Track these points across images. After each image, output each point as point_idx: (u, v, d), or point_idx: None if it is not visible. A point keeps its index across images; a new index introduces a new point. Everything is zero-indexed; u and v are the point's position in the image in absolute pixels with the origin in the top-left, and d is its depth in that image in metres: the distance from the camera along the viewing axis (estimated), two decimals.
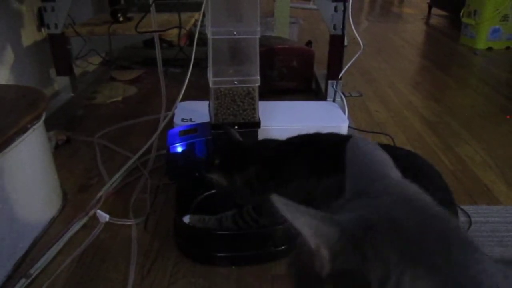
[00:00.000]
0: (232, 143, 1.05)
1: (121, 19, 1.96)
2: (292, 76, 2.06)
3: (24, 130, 1.02)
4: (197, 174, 1.17)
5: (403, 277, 0.36)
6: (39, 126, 1.09)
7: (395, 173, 0.46)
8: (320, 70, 2.11)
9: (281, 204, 0.38)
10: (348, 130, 1.44)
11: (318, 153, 0.99)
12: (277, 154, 1.01)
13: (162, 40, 2.24)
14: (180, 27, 1.74)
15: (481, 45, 2.98)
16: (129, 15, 2.00)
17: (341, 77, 1.82)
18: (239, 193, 1.01)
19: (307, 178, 0.94)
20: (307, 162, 0.97)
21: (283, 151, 1.01)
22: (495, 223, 1.15)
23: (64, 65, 1.89)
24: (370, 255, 0.37)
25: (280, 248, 1.03)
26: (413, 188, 0.44)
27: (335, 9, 1.69)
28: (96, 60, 2.26)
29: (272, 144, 1.04)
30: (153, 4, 1.38)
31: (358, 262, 0.37)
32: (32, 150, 1.08)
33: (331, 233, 0.39)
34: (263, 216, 1.00)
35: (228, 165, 1.03)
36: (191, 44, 1.87)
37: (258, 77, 1.07)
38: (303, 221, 0.38)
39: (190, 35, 2.29)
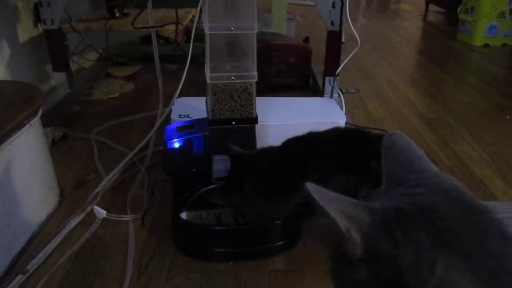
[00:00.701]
0: (233, 158, 1.05)
1: (118, 15, 1.96)
2: (290, 72, 2.06)
3: (20, 126, 1.02)
4: (194, 170, 1.17)
5: (437, 262, 0.36)
6: (35, 122, 1.09)
7: (431, 166, 0.47)
8: (317, 66, 2.11)
9: (314, 190, 0.40)
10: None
11: (315, 156, 0.99)
12: (272, 167, 1.01)
13: (159, 36, 2.23)
14: (177, 23, 1.74)
15: (478, 41, 2.99)
16: (126, 11, 2.00)
17: (338, 74, 1.82)
18: (240, 207, 1.02)
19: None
20: (304, 168, 0.97)
21: (278, 161, 1.01)
22: None
23: (60, 61, 1.89)
24: (402, 239, 0.38)
25: (277, 244, 1.04)
26: (451, 181, 0.44)
27: (333, 5, 1.69)
28: (92, 56, 2.26)
29: (268, 156, 1.04)
30: (150, 0, 1.37)
31: (390, 247, 0.38)
32: (28, 146, 1.07)
33: (362, 217, 0.39)
34: (265, 218, 1.00)
35: (228, 184, 1.04)
36: (188, 40, 1.87)
37: (256, 73, 1.07)
38: (334, 205, 0.39)
39: (187, 31, 2.29)
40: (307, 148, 1.01)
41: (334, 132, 1.04)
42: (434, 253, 0.36)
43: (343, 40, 1.83)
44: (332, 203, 0.40)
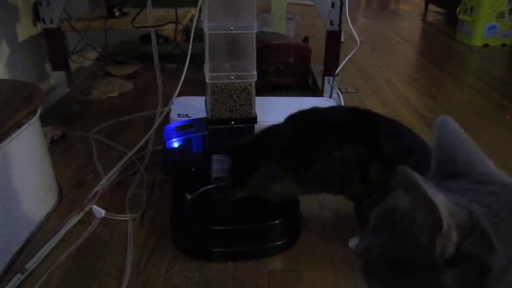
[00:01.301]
0: (234, 150, 1.04)
1: (117, 14, 1.95)
2: (289, 72, 2.06)
3: (19, 125, 1.02)
4: (193, 169, 1.17)
5: None
6: (34, 121, 1.09)
7: (490, 162, 0.47)
8: (316, 66, 2.11)
9: (419, 178, 0.38)
10: None
11: (325, 126, 0.99)
12: (290, 143, 0.99)
13: (158, 35, 2.23)
14: (176, 22, 1.74)
15: (477, 42, 2.99)
16: (125, 10, 1.99)
17: (337, 73, 1.82)
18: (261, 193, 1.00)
19: (325, 153, 0.94)
20: (320, 138, 0.97)
21: (293, 136, 1.00)
22: None
23: (60, 60, 1.88)
24: (497, 243, 0.37)
25: (276, 243, 1.04)
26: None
27: (332, 5, 1.69)
28: (92, 55, 2.25)
29: (278, 135, 1.02)
30: None
31: (483, 249, 0.37)
32: (27, 145, 1.07)
33: (462, 215, 0.38)
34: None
35: (238, 175, 1.02)
36: (187, 40, 1.87)
37: (255, 73, 1.07)
38: (440, 199, 0.37)
39: (186, 31, 2.28)
40: (315, 121, 1.01)
41: (344, 108, 1.02)
42: None
43: (342, 40, 1.83)
44: (437, 196, 0.37)
